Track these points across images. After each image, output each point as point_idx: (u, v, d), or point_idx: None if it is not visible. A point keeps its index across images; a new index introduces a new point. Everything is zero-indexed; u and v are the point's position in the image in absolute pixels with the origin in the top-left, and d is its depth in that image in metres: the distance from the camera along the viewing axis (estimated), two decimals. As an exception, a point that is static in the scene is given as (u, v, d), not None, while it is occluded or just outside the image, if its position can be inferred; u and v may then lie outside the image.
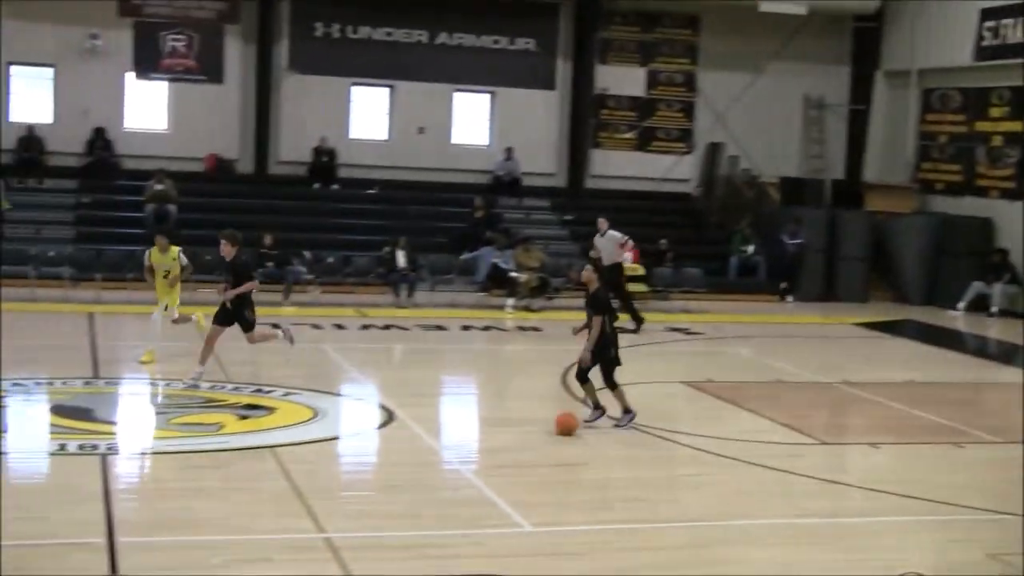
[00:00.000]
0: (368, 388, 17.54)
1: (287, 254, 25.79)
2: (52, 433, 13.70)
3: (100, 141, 29.17)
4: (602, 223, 23.51)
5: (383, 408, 15.46)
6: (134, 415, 15.39)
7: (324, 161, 30.59)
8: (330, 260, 26.55)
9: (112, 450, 12.90)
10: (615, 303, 17.15)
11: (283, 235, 26.43)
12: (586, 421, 14.44)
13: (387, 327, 22.77)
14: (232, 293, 16.01)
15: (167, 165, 28.68)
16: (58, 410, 14.49)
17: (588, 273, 14.85)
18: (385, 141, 31.92)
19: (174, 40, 29.16)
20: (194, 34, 29.28)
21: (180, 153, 29.68)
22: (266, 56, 30.14)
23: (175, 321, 18.14)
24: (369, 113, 32.02)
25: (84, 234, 26.94)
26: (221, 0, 29.85)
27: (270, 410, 14.96)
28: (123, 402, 16.10)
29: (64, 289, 23.84)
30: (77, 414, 14.21)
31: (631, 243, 24.09)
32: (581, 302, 26.09)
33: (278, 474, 12.02)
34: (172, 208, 27.59)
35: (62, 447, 12.89)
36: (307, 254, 26.33)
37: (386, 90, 31.99)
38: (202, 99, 29.99)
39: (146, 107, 30.20)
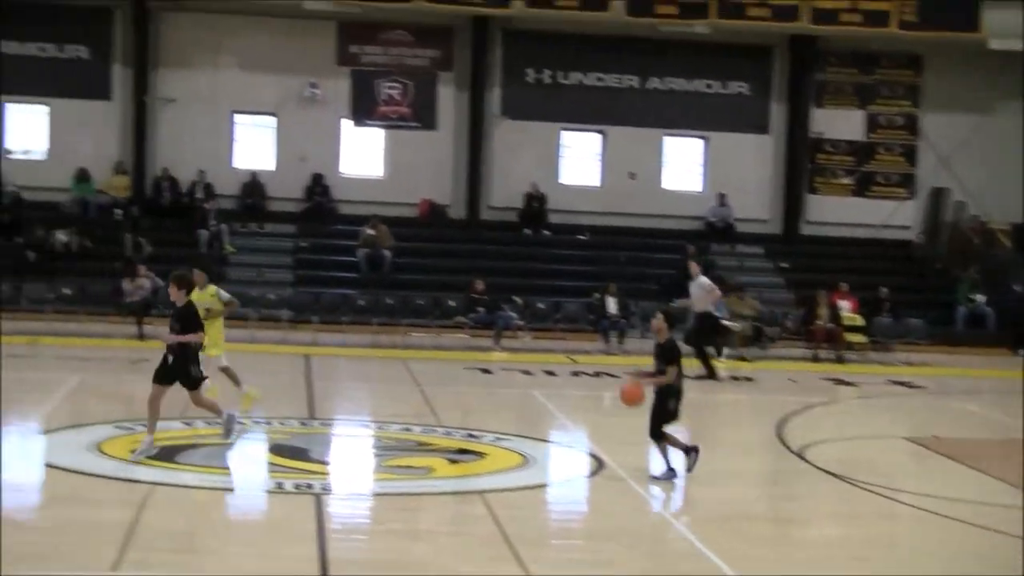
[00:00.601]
0: (578, 435, 17.39)
1: (497, 299, 25.97)
2: (270, 472, 13.97)
3: (318, 187, 30.05)
4: (693, 268, 22.95)
5: (592, 456, 15.28)
6: (348, 456, 15.61)
7: (535, 206, 30.77)
8: (540, 306, 26.62)
9: (326, 490, 13.08)
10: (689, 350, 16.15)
11: (494, 280, 26.65)
12: (688, 470, 13.89)
13: (597, 374, 22.62)
14: (173, 338, 14.04)
15: (381, 210, 29.35)
16: (276, 449, 14.80)
17: (658, 322, 14.12)
18: (596, 186, 31.93)
19: (389, 88, 29.88)
20: (409, 82, 29.96)
21: (394, 199, 30.33)
22: (478, 102, 30.58)
23: (222, 369, 16.87)
24: (580, 158, 32.11)
25: (302, 277, 27.75)
26: (435, 48, 30.50)
27: (480, 455, 14.94)
28: (337, 443, 16.35)
29: (282, 331, 24.50)
30: (294, 453, 14.48)
31: (718, 292, 23.15)
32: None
33: (487, 519, 11.96)
34: (386, 253, 28.17)
35: (279, 485, 13.13)
36: (517, 299, 26.46)
37: (597, 135, 32.05)
38: (416, 145, 30.61)
39: (362, 153, 30.99)
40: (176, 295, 14.09)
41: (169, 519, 11.56)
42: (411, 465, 14.24)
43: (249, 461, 14.60)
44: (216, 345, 16.48)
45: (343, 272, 28.10)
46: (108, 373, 20.08)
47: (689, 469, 13.86)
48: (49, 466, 13.56)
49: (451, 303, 26.13)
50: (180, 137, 29.92)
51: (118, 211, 28.95)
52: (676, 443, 13.87)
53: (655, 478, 13.91)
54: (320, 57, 30.02)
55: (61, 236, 26.96)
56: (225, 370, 16.69)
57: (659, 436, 13.85)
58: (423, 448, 15.19)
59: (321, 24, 29.75)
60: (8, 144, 29.85)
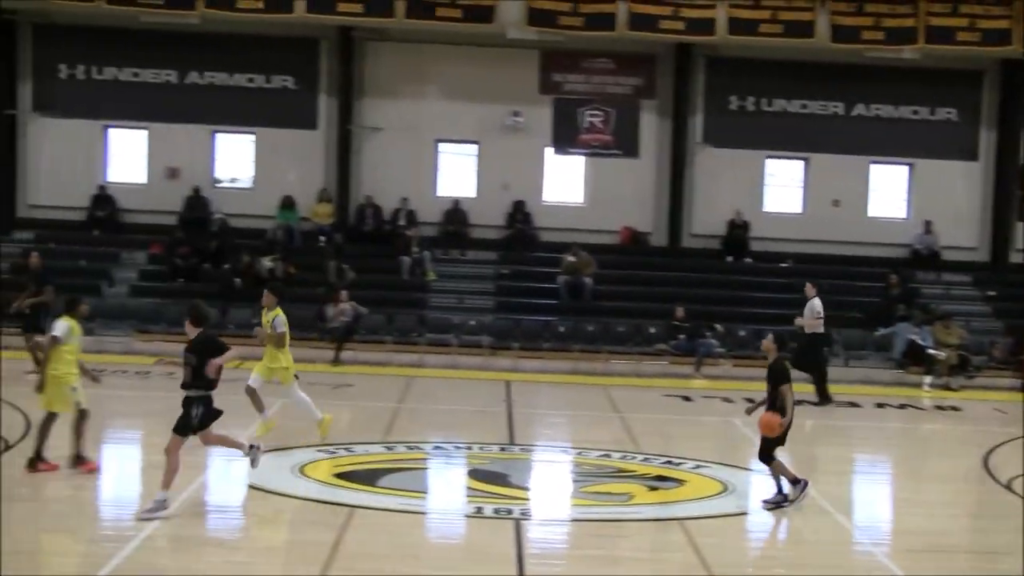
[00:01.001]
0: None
1: (699, 327, 25.63)
2: (469, 496, 13.98)
3: (519, 214, 30.18)
4: (809, 289, 22.26)
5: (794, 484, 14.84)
6: (547, 482, 15.52)
7: (737, 234, 30.32)
8: (741, 333, 26.17)
9: (525, 515, 13.01)
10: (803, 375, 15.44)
11: (695, 308, 26.34)
12: (791, 500, 13.42)
13: (799, 402, 22.01)
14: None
15: (582, 238, 29.30)
16: (475, 474, 14.82)
17: (768, 343, 13.91)
18: (799, 214, 31.28)
19: (591, 116, 29.85)
20: (611, 110, 29.88)
21: (595, 226, 30.25)
22: (681, 130, 30.34)
23: (249, 391, 16.22)
24: (783, 186, 31.53)
25: (503, 304, 27.86)
26: (637, 76, 30.39)
27: (680, 482, 14.70)
28: (537, 468, 16.29)
29: (483, 357, 24.63)
30: (493, 479, 14.47)
31: (821, 318, 22.14)
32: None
33: (686, 547, 11.75)
34: (587, 280, 28.07)
35: (478, 510, 13.11)
36: (719, 327, 26.08)
37: (800, 163, 31.42)
38: (617, 173, 30.49)
39: (563, 181, 31.02)
40: (189, 329, 12.91)
41: (370, 542, 11.67)
42: (610, 491, 14.09)
43: (449, 486, 14.67)
44: (260, 366, 16.26)
45: (544, 299, 28.12)
46: (310, 397, 20.45)
47: (793, 500, 13.49)
48: (253, 488, 13.83)
49: (652, 330, 25.90)
50: (384, 165, 30.48)
51: (322, 238, 29.63)
52: (784, 472, 13.61)
53: (767, 502, 13.58)
54: (522, 85, 30.22)
55: (266, 262, 27.70)
56: (251, 393, 16.09)
57: (769, 460, 13.64)
58: (622, 475, 15.02)
59: (524, 53, 29.95)
60: (217, 173, 30.89)
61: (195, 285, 27.50)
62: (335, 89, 30.30)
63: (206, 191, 30.13)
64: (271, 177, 30.43)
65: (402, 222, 29.75)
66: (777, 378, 13.69)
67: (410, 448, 16.21)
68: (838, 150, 30.82)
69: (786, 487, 13.56)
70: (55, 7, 28.76)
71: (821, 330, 22.12)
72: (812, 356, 21.57)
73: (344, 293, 25.46)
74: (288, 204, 29.87)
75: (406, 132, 30.37)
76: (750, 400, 21.55)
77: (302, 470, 14.40)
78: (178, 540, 11.51)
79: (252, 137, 30.79)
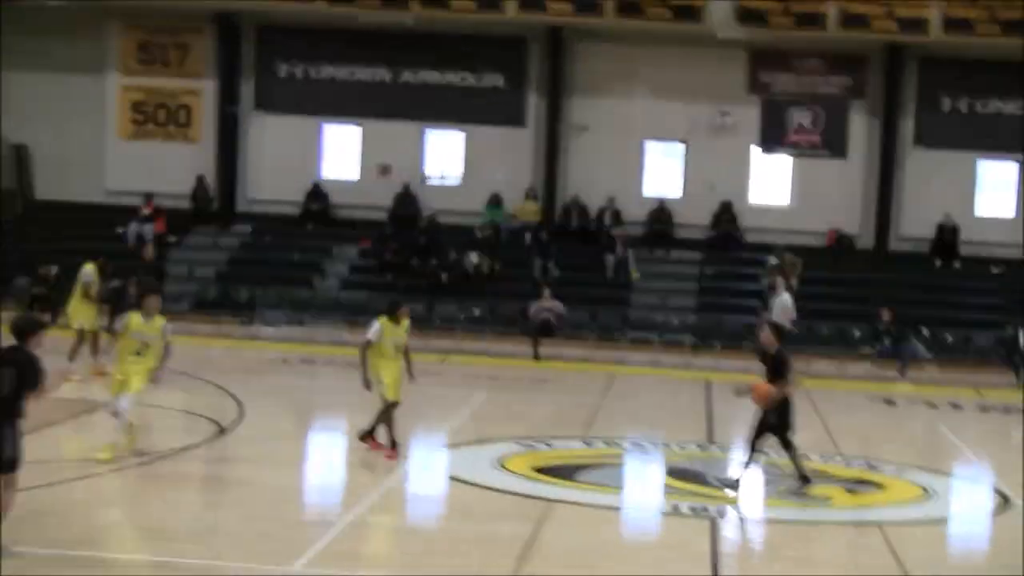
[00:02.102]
0: (983, 471, 16.47)
1: (905, 330, 25.02)
2: (667, 493, 14.02)
3: (726, 215, 29.91)
4: (777, 281, 22.26)
5: (999, 493, 14.43)
6: (745, 481, 15.41)
7: (947, 237, 29.42)
8: (948, 338, 25.51)
9: (722, 514, 12.98)
10: None
11: (901, 311, 25.70)
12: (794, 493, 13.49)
13: (1007, 409, 21.37)
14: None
15: (788, 239, 28.90)
16: (674, 472, 14.84)
17: (767, 335, 14.04)
18: (1012, 218, 30.16)
19: (800, 116, 29.40)
20: (820, 109, 29.37)
21: (801, 227, 29.74)
22: (891, 130, 29.60)
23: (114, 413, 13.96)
24: (996, 188, 30.45)
25: (706, 304, 27.69)
26: (847, 75, 29.81)
27: (879, 486, 14.44)
28: (735, 468, 16.18)
29: (685, 356, 24.58)
30: (691, 477, 14.47)
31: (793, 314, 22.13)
32: None
33: (884, 551, 11.54)
34: (792, 282, 27.62)
35: (675, 507, 13.14)
36: (925, 331, 25.42)
37: (1014, 165, 30.29)
38: (825, 174, 29.94)
39: (770, 181, 30.62)
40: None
41: (566, 536, 11.79)
42: (808, 493, 13.93)
43: (647, 482, 14.72)
44: (126, 384, 13.72)
45: (747, 299, 27.84)
46: (511, 391, 20.75)
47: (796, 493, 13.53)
48: (454, 479, 14.11)
49: (856, 333, 25.38)
50: (591, 164, 30.60)
51: (528, 235, 29.95)
52: (799, 465, 13.68)
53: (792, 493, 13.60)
54: (730, 85, 29.96)
55: (473, 258, 28.16)
56: (117, 415, 13.70)
57: (789, 447, 13.65)
58: (821, 476, 14.79)
59: (732, 52, 29.67)
60: (426, 170, 31.55)
61: (403, 280, 28.15)
62: (544, 88, 30.58)
63: (416, 188, 30.79)
64: (479, 174, 30.90)
65: (607, 221, 29.84)
66: (779, 369, 13.67)
67: (608, 444, 16.32)
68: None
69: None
70: (276, 8, 29.80)
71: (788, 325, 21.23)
72: None
73: (548, 291, 25.71)
74: (495, 201, 30.30)
75: (614, 131, 30.41)
76: (956, 406, 21.16)
77: (502, 463, 14.60)
78: (378, 528, 11.83)
79: (462, 135, 31.30)
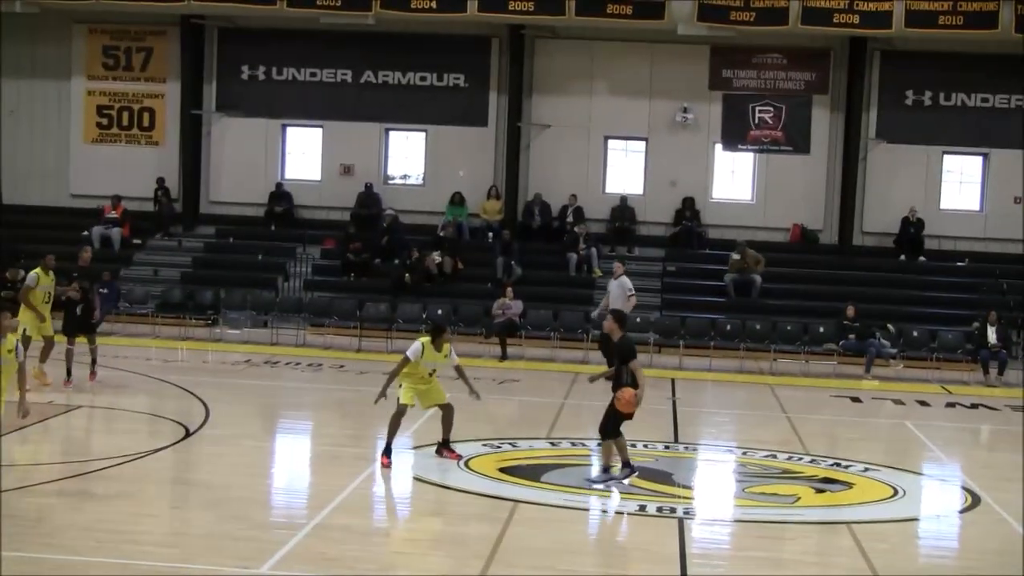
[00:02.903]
0: (951, 469, 16.51)
1: (870, 326, 25.07)
2: (633, 494, 13.97)
3: (688, 211, 29.98)
4: (617, 267, 23.03)
5: (967, 491, 14.47)
6: (712, 481, 15.43)
7: (911, 232, 29.56)
8: (914, 334, 25.53)
9: (689, 514, 12.95)
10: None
11: (866, 307, 25.78)
12: (618, 479, 13.77)
13: (974, 406, 21.47)
14: None
15: (751, 235, 29.01)
16: (640, 471, 14.79)
17: (610, 323, 14.32)
18: (976, 211, 30.36)
19: (762, 112, 29.45)
20: (782, 105, 29.43)
21: (764, 223, 29.90)
22: (854, 125, 29.72)
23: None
24: (960, 183, 30.63)
25: (669, 301, 27.72)
26: (810, 71, 29.92)
27: (848, 485, 14.45)
28: (701, 468, 16.19)
29: (648, 354, 24.55)
30: (658, 477, 14.43)
31: (634, 300, 22.65)
32: None
33: (854, 551, 11.55)
34: (756, 278, 27.79)
35: (642, 508, 13.10)
36: (890, 327, 25.49)
37: (978, 159, 30.48)
38: (788, 169, 30.06)
39: (732, 178, 30.70)
40: None
41: (533, 536, 11.76)
42: (776, 493, 13.94)
43: (614, 483, 14.67)
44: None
45: (711, 296, 27.91)
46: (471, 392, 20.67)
47: (620, 480, 13.78)
48: (420, 480, 14.06)
49: (821, 329, 25.44)
50: (553, 162, 30.60)
51: (491, 234, 29.90)
52: (622, 451, 13.88)
53: (614, 480, 13.83)
54: (692, 82, 30.00)
55: (436, 258, 28.09)
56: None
57: (616, 434, 13.84)
58: (788, 476, 14.84)
59: (694, 49, 29.71)
60: (389, 170, 31.44)
61: (366, 280, 28.06)
62: (505, 87, 30.55)
63: (378, 188, 30.70)
64: (441, 174, 30.86)
65: (570, 219, 29.84)
66: (625, 355, 13.90)
67: (574, 444, 16.28)
68: (1021, 145, 29.73)
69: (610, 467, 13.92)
70: (239, 11, 29.62)
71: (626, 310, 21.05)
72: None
73: (510, 290, 25.66)
74: (458, 200, 30.24)
75: (575, 129, 30.44)
76: (924, 403, 21.24)
77: (467, 464, 14.58)
78: (345, 530, 11.78)
79: (423, 135, 31.25)
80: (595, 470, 14.45)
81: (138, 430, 16.44)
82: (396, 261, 28.39)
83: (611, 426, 13.90)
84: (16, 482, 12.73)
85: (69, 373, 18.71)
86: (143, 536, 11.30)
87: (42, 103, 31.59)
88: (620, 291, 22.69)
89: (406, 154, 31.65)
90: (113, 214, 29.82)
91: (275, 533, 11.58)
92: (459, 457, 14.68)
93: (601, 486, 13.90)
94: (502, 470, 14.48)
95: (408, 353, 14.47)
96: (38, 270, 18.94)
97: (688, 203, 30.04)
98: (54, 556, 10.49)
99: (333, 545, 11.23)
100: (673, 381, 22.31)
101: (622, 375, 13.86)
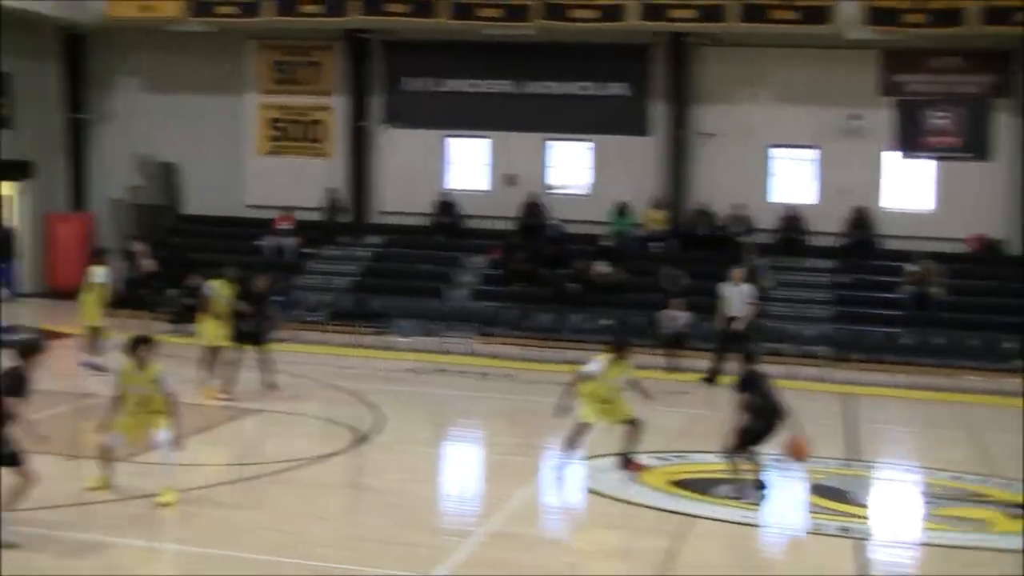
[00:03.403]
0: None
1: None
2: (808, 511, 13.60)
3: (861, 221, 29.17)
4: (736, 273, 22.79)
5: None
6: (892, 501, 14.91)
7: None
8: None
9: (868, 535, 12.52)
10: None
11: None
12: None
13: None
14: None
15: (928, 245, 28.01)
16: (815, 489, 14.40)
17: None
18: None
19: (938, 117, 28.53)
20: (960, 110, 28.45)
21: (943, 233, 28.75)
22: (1038, 130, 28.52)
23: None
24: None
25: (843, 314, 26.90)
26: (988, 74, 28.81)
27: (1041, 510, 13.77)
28: (880, 487, 15.67)
29: (821, 368, 23.95)
30: (833, 495, 14.02)
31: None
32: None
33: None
34: (935, 290, 26.77)
35: (818, 527, 12.73)
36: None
37: None
38: (967, 177, 28.96)
39: (907, 186, 29.74)
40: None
41: (704, 552, 11.57)
42: (964, 516, 13.34)
43: (787, 499, 14.31)
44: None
45: (887, 309, 26.96)
46: (644, 403, 20.44)
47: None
48: (591, 491, 13.94)
49: (1008, 345, 24.30)
50: (717, 171, 30.12)
51: (655, 244, 29.60)
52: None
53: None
54: (861, 87, 29.19)
55: (600, 268, 27.93)
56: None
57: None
58: (978, 499, 14.19)
59: (862, 53, 28.91)
60: (552, 180, 31.42)
61: (532, 289, 28.05)
62: (668, 95, 30.24)
63: (542, 198, 30.68)
64: (606, 183, 30.67)
65: (736, 228, 29.36)
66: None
67: (751, 459, 15.91)
68: None
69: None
70: (403, 24, 29.96)
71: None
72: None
73: (677, 300, 25.31)
74: (622, 210, 30.04)
75: (739, 137, 29.92)
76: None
77: (638, 476, 14.39)
78: (516, 539, 11.75)
79: (587, 144, 31.13)
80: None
81: (312, 435, 16.74)
82: (561, 271, 28.32)
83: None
84: (199, 482, 13.15)
85: (231, 381, 18.95)
86: (317, 538, 11.56)
87: (218, 117, 32.44)
88: (740, 298, 22.42)
89: (569, 164, 31.56)
90: (285, 225, 30.45)
91: (445, 539, 11.72)
92: (642, 468, 14.50)
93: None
94: (673, 483, 14.26)
95: (589, 371, 14.41)
96: (219, 281, 19.42)
97: (860, 213, 29.19)
98: (236, 554, 10.84)
99: (504, 553, 11.27)
100: (849, 396, 21.66)
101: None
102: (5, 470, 10.76)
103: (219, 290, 19.42)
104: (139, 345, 12.51)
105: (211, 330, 19.16)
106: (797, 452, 13.46)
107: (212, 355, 19.12)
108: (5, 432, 10.73)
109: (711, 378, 22.31)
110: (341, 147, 31.83)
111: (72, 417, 16.91)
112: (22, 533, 10.72)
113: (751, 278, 27.77)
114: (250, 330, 19.39)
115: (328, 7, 29.65)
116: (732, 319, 22.31)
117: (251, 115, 32.44)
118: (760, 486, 13.81)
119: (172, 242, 30.88)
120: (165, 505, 12.20)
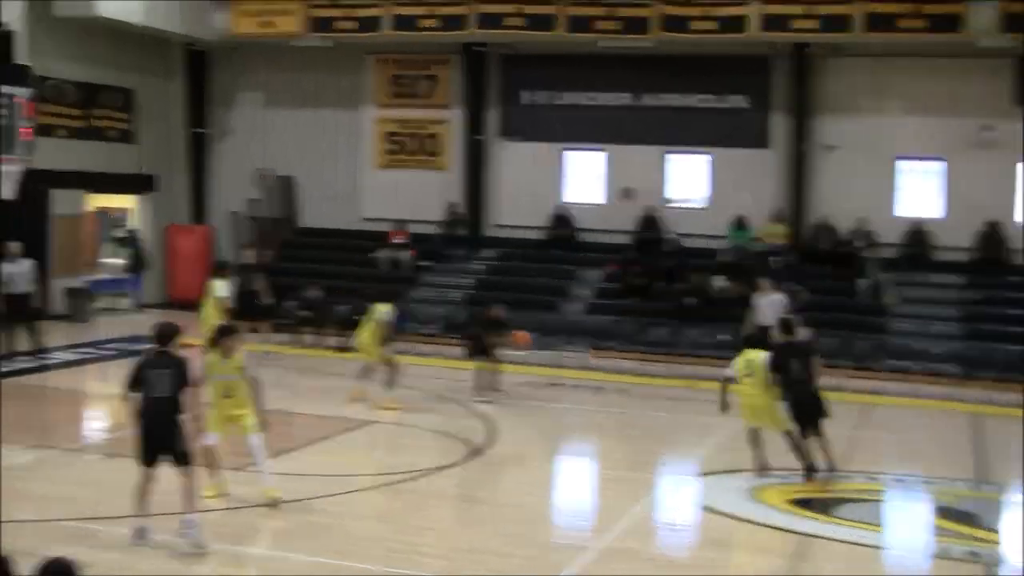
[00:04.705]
0: None
1: None
2: (935, 534, 13.11)
3: (992, 235, 28.24)
4: (764, 284, 22.77)
5: None
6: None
7: None
8: None
9: (998, 561, 11.99)
10: None
11: None
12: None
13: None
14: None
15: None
16: (941, 511, 13.90)
17: None
18: None
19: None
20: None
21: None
22: None
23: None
24: None
25: (972, 331, 26.03)
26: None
27: None
28: (1013, 511, 15.00)
29: (949, 387, 23.19)
30: (962, 518, 13.50)
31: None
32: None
33: None
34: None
35: (945, 551, 12.25)
36: None
37: None
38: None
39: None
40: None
41: (826, 573, 11.18)
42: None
43: (911, 521, 13.85)
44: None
45: (1020, 327, 25.91)
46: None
47: None
48: (705, 508, 13.67)
49: None
50: (839, 184, 29.41)
51: (775, 258, 29.06)
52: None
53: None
54: (994, 97, 28.18)
55: (718, 282, 27.53)
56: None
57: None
58: None
59: (996, 62, 27.98)
60: (670, 193, 31.09)
61: (648, 303, 27.74)
62: (789, 107, 29.70)
63: (659, 211, 30.35)
64: (724, 197, 30.22)
65: (858, 243, 28.68)
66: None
67: (868, 478, 15.46)
68: None
69: None
70: (520, 38, 29.93)
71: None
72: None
73: (796, 316, 24.75)
74: (741, 224, 29.57)
75: (863, 149, 29.18)
76: None
77: (755, 494, 14.05)
78: (630, 555, 11.54)
79: (705, 157, 30.73)
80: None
81: (428, 447, 16.72)
82: (678, 285, 27.96)
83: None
84: (316, 491, 13.24)
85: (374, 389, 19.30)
86: (429, 549, 11.58)
87: (335, 131, 32.76)
88: (773, 310, 21.86)
89: (687, 177, 31.20)
90: (400, 239, 30.59)
91: (557, 554, 11.61)
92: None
93: None
94: (792, 502, 13.87)
95: (730, 372, 14.93)
96: (384, 305, 19.83)
97: (992, 227, 28.23)
98: (348, 563, 10.87)
99: (616, 570, 11.07)
100: (979, 416, 20.91)
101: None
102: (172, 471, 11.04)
103: (378, 309, 19.72)
104: (224, 335, 12.80)
105: (369, 346, 19.52)
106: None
107: (371, 370, 19.51)
108: (182, 428, 11.07)
109: None
110: (457, 160, 31.87)
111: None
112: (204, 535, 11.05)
113: (875, 294, 27.23)
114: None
115: (446, 22, 29.77)
116: (764, 329, 21.92)
117: (368, 129, 32.66)
118: (811, 469, 14.27)
119: (289, 254, 31.29)
120: (274, 503, 12.39)
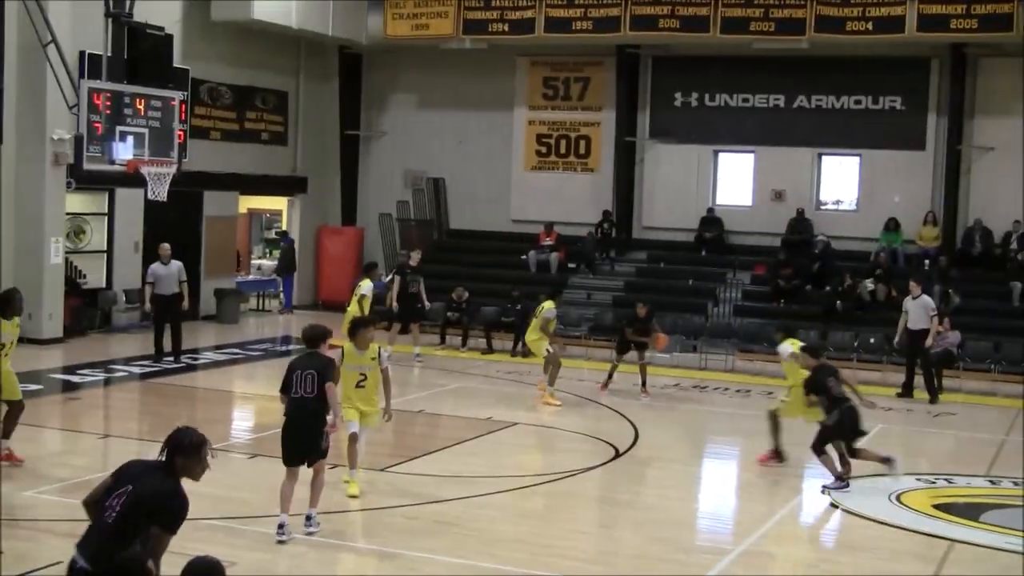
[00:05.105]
0: None
1: None
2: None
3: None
4: (914, 286, 22.28)
5: None
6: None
7: None
8: None
9: None
10: None
11: None
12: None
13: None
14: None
15: None
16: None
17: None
18: None
19: None
20: None
21: None
22: None
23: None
24: None
25: None
26: None
27: None
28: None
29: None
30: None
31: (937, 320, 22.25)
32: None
33: None
34: None
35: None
36: None
37: None
38: None
39: None
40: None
41: (967, 577, 11.25)
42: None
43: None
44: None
45: None
46: (909, 423, 19.94)
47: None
48: (849, 513, 13.73)
49: None
50: (995, 186, 28.91)
51: (927, 261, 28.70)
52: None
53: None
54: None
55: (868, 285, 27.30)
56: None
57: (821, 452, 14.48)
58: None
59: None
60: (821, 195, 30.89)
61: (797, 306, 27.68)
62: (945, 108, 29.29)
63: (809, 213, 30.21)
64: (875, 199, 29.98)
65: (1014, 246, 28.18)
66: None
67: (1017, 484, 15.37)
68: None
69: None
70: (674, 39, 29.99)
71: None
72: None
73: (948, 319, 24.51)
74: (892, 227, 29.29)
75: (1021, 151, 28.69)
76: None
77: (900, 498, 14.12)
78: (772, 559, 11.71)
79: (856, 159, 30.51)
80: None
81: (571, 449, 16.93)
82: (827, 288, 27.83)
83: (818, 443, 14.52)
84: (459, 492, 13.56)
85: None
86: (572, 552, 11.71)
87: (487, 133, 33.29)
88: (922, 312, 21.86)
89: (839, 179, 31.02)
90: (548, 241, 30.93)
91: (699, 557, 11.73)
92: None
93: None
94: (937, 507, 13.92)
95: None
96: (550, 302, 20.36)
97: None
98: (487, 565, 11.01)
99: (759, 572, 11.19)
100: None
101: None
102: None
103: (544, 305, 20.26)
104: (359, 328, 13.22)
105: (539, 345, 20.15)
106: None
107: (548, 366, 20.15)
108: (324, 428, 11.45)
109: (905, 392, 22.14)
110: (607, 162, 32.09)
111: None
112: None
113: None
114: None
115: (599, 24, 29.95)
116: (915, 333, 21.66)
117: (520, 130, 33.09)
118: (841, 478, 14.33)
119: (438, 256, 31.73)
120: (352, 497, 12.86)
